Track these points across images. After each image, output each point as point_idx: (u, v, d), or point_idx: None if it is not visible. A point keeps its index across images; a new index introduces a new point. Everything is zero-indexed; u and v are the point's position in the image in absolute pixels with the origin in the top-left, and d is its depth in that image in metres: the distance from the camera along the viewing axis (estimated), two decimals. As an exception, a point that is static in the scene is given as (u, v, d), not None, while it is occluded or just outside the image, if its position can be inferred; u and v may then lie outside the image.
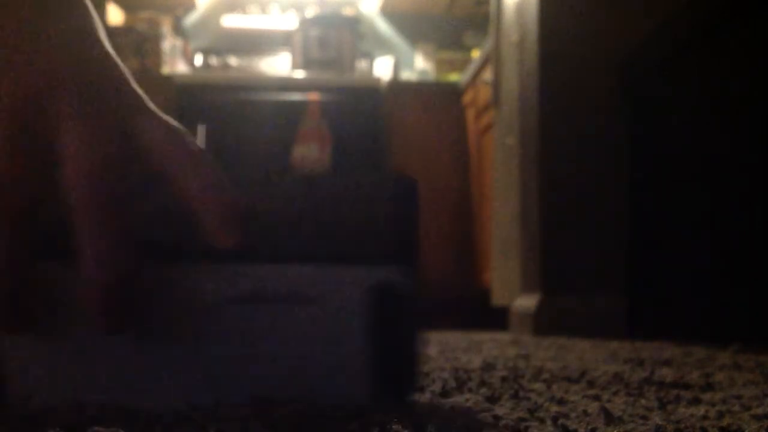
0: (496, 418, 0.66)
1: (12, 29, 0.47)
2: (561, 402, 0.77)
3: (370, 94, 3.69)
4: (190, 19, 4.38)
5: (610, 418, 0.65)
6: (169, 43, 3.99)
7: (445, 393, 0.85)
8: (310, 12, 4.15)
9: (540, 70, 2.45)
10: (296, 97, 3.65)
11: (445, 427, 0.61)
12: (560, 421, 0.64)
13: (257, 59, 4.26)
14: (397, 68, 4.18)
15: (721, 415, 0.67)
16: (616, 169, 2.42)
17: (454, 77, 4.01)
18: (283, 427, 0.60)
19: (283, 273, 0.65)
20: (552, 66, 2.44)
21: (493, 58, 2.96)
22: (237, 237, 0.57)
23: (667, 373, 1.09)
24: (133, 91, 0.50)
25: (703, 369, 1.17)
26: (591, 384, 0.96)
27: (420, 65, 4.31)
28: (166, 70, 3.87)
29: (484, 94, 3.28)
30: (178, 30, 4.22)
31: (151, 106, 0.51)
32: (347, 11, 4.34)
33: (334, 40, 3.99)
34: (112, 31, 3.91)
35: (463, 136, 3.71)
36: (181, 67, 4.00)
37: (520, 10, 2.67)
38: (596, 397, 0.81)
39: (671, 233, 2.19)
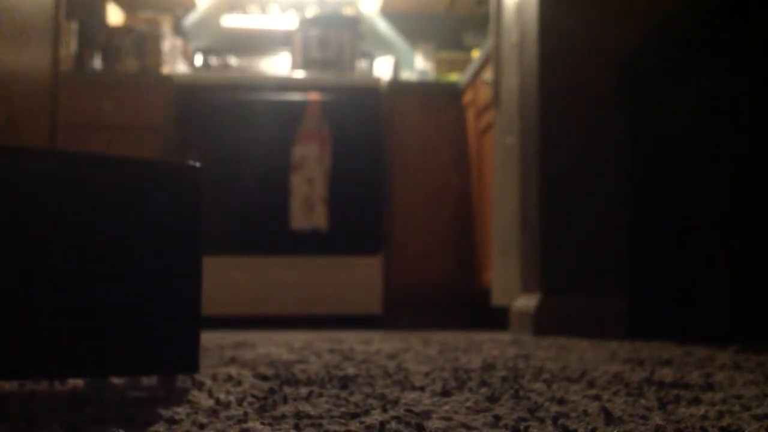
0: (496, 418, 0.66)
1: None
2: (561, 402, 0.77)
3: (370, 94, 3.69)
4: (190, 19, 4.38)
5: (610, 418, 0.66)
6: (169, 43, 3.99)
7: (445, 393, 0.85)
8: (310, 12, 4.15)
9: (540, 70, 2.44)
10: (296, 97, 3.65)
11: (445, 427, 0.61)
12: (560, 421, 0.64)
13: (257, 59, 4.26)
14: (397, 68, 4.18)
15: (721, 415, 0.67)
16: (616, 169, 2.42)
17: (454, 77, 4.01)
18: (283, 427, 0.60)
19: None
20: (552, 66, 2.44)
21: (493, 58, 2.96)
22: None
23: (667, 373, 1.09)
24: None
25: (703, 369, 1.17)
26: (591, 384, 0.96)
27: (420, 65, 4.31)
28: (166, 70, 3.87)
29: (484, 94, 3.28)
30: (178, 30, 4.22)
31: None
32: (347, 11, 4.33)
33: (334, 40, 3.99)
34: (112, 31, 3.91)
35: (463, 136, 3.71)
36: (181, 67, 4.00)
37: (520, 10, 2.67)
38: (596, 397, 0.81)
39: (671, 233, 2.18)
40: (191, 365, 0.89)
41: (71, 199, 0.78)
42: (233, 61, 4.22)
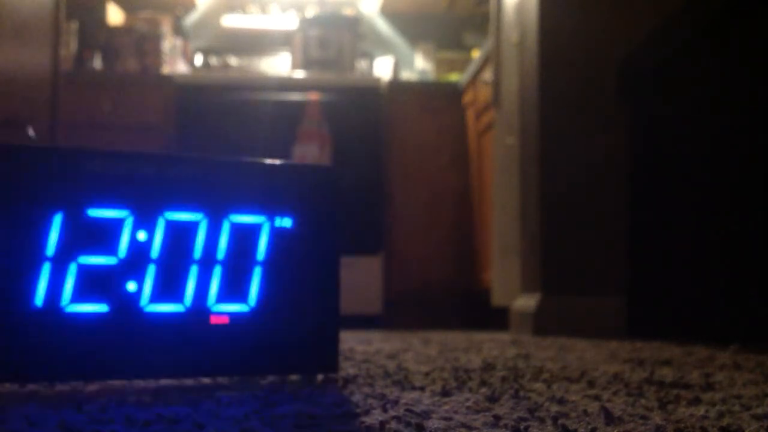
0: (496, 418, 0.66)
1: None
2: (561, 402, 0.77)
3: (370, 94, 3.69)
4: (190, 19, 4.38)
5: (610, 418, 0.66)
6: (169, 43, 3.99)
7: (445, 393, 0.85)
8: (310, 12, 4.15)
9: (540, 70, 2.44)
10: (296, 97, 3.65)
11: (445, 427, 0.61)
12: (560, 421, 0.64)
13: (257, 59, 4.26)
14: (397, 68, 4.18)
15: (721, 415, 0.67)
16: (617, 169, 2.42)
17: (454, 77, 4.01)
18: (283, 427, 0.60)
19: None
20: (552, 66, 2.44)
21: (493, 58, 2.96)
22: None
23: (667, 373, 1.09)
24: None
25: (703, 369, 1.17)
26: (591, 384, 0.96)
27: (420, 65, 4.31)
28: (166, 70, 3.87)
29: (484, 94, 3.28)
30: (178, 30, 4.22)
31: None
32: (347, 11, 4.33)
33: (334, 40, 3.99)
34: (112, 31, 3.91)
35: (463, 136, 3.71)
36: (181, 67, 4.00)
37: (520, 10, 2.67)
38: (596, 397, 0.81)
39: (671, 234, 2.18)
40: (332, 365, 0.95)
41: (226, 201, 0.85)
42: (233, 61, 4.22)
